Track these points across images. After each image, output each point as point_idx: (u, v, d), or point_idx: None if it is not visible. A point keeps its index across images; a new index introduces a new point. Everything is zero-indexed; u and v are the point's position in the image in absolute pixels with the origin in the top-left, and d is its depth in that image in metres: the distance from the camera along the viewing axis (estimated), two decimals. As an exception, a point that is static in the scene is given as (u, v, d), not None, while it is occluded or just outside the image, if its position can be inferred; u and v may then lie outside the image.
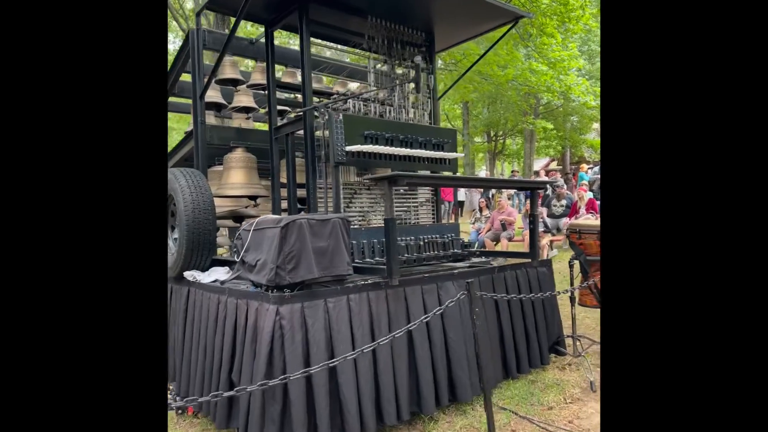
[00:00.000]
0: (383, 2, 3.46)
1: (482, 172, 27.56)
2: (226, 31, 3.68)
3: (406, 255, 3.23)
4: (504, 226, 9.73)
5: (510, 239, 9.75)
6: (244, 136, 3.83)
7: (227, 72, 3.80)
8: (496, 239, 9.71)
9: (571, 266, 3.57)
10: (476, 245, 10.24)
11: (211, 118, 4.19)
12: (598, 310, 3.72)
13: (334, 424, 2.37)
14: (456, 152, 3.69)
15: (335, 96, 3.48)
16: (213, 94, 3.99)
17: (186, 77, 4.23)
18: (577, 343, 3.62)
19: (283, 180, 3.53)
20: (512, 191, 16.79)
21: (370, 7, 3.46)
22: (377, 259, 3.16)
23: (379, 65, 3.57)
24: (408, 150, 3.32)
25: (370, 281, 2.69)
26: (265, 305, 2.35)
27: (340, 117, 3.02)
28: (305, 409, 2.28)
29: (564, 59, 15.21)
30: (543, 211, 10.68)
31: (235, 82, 3.92)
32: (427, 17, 3.77)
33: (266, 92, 3.67)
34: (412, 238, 3.38)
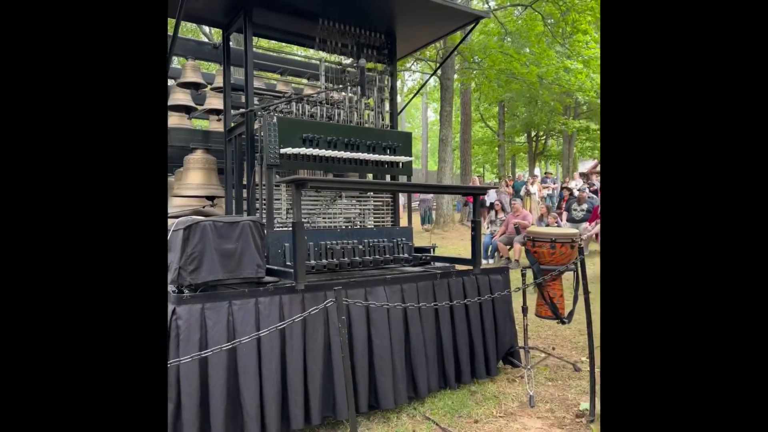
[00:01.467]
0: (334, 5, 3.46)
1: (522, 173, 26.96)
2: (192, 36, 3.76)
3: (340, 259, 3.21)
4: (518, 230, 9.49)
5: (523, 244, 9.52)
6: (205, 138, 3.93)
7: (189, 75, 3.91)
8: (510, 243, 9.48)
9: (523, 275, 3.43)
10: (489, 249, 10.07)
11: (184, 120, 4.32)
12: (555, 322, 3.56)
13: (230, 426, 2.40)
14: (409, 156, 3.63)
15: (281, 98, 3.50)
16: (182, 97, 4.12)
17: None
18: (528, 354, 3.48)
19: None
20: (545, 192, 16.38)
21: (320, 10, 3.47)
22: (325, 261, 3.16)
23: (329, 66, 3.56)
24: (347, 153, 3.30)
25: (287, 285, 2.70)
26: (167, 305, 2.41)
27: (274, 120, 3.04)
28: (198, 410, 2.31)
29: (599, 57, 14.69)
30: (564, 215, 10.34)
31: (197, 86, 4.03)
32: (384, 19, 3.74)
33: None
34: (354, 241, 3.35)
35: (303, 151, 3.12)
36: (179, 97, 4.06)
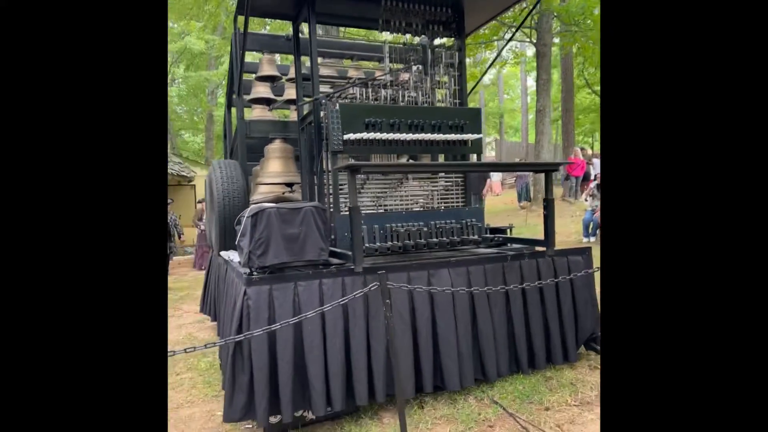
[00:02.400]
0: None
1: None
2: (266, 31, 3.96)
3: (405, 241, 3.23)
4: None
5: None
6: (283, 128, 4.14)
7: (265, 69, 4.13)
8: (612, 219, 8.76)
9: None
10: (591, 226, 9.39)
11: (265, 112, 4.58)
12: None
13: (298, 398, 2.57)
14: (477, 133, 3.50)
15: (346, 84, 3.56)
16: (262, 90, 4.37)
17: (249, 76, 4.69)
18: (612, 341, 3.23)
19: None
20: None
21: (383, -9, 3.44)
22: (389, 243, 3.22)
23: (393, 46, 3.53)
24: (410, 135, 3.28)
25: (350, 267, 2.79)
26: (240, 286, 2.62)
27: (336, 107, 3.11)
28: (268, 382, 2.50)
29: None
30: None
31: (273, 78, 4.24)
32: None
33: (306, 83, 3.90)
34: (420, 223, 3.35)
35: (365, 135, 3.16)
36: (259, 90, 4.32)
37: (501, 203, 17.24)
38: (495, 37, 17.10)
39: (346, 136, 3.13)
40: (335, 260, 3.06)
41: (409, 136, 3.29)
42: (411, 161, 3.77)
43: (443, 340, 2.88)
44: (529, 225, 11.62)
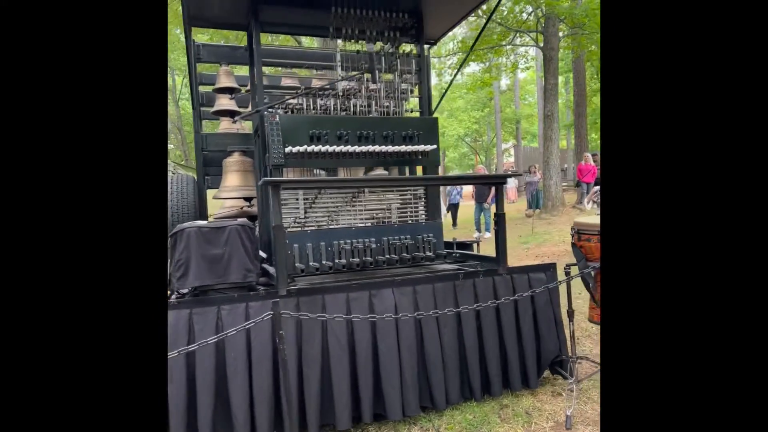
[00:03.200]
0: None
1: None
2: (222, 42, 3.87)
3: (351, 259, 3.06)
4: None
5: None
6: (242, 140, 4.03)
7: (222, 81, 4.03)
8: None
9: (566, 273, 2.94)
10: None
11: (229, 124, 4.48)
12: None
13: (219, 428, 2.41)
14: (432, 143, 3.32)
15: (287, 94, 3.42)
16: (225, 102, 4.27)
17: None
18: (575, 365, 2.99)
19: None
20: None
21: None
22: (331, 262, 3.06)
23: (345, 54, 3.39)
24: (358, 147, 3.12)
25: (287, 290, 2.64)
26: (162, 310, 2.49)
27: (276, 119, 2.98)
28: (185, 412, 2.36)
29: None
30: None
31: (231, 90, 4.13)
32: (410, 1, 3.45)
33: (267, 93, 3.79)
34: (372, 239, 3.17)
35: (309, 148, 3.02)
36: (222, 102, 4.22)
37: (514, 210, 16.90)
38: (504, 42, 16.88)
39: (288, 149, 2.99)
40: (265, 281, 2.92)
41: (356, 149, 3.13)
42: (371, 175, 3.60)
43: (384, 366, 2.69)
44: (535, 234, 11.30)
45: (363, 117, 3.33)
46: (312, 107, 3.30)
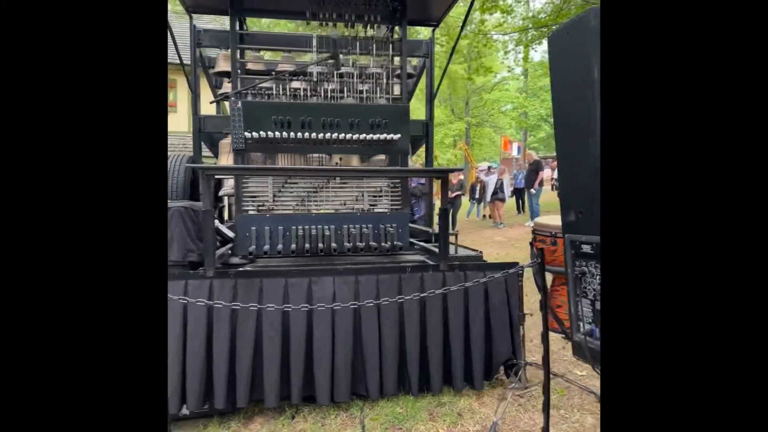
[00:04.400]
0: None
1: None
2: (222, 26, 4.02)
3: (306, 245, 3.11)
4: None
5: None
6: (238, 123, 4.18)
7: (221, 65, 4.18)
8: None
9: (519, 275, 2.80)
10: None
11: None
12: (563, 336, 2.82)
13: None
14: (400, 132, 3.25)
15: (266, 77, 3.48)
16: (228, 86, 4.44)
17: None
18: (524, 370, 2.86)
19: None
20: None
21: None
22: (291, 247, 3.14)
23: (322, 34, 3.39)
24: (321, 134, 3.14)
25: (225, 271, 2.77)
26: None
27: (239, 104, 3.07)
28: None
29: None
30: None
31: (228, 74, 4.27)
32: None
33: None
34: (332, 227, 3.21)
35: (270, 134, 3.09)
36: (227, 86, 4.39)
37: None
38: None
39: (250, 135, 3.08)
40: (237, 260, 3.06)
41: (321, 135, 3.15)
42: (337, 165, 3.61)
43: (317, 351, 2.75)
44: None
45: (327, 104, 3.33)
46: (283, 92, 3.36)
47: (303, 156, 3.51)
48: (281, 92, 3.38)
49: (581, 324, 1.71)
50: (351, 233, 3.19)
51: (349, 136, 3.21)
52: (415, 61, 4.41)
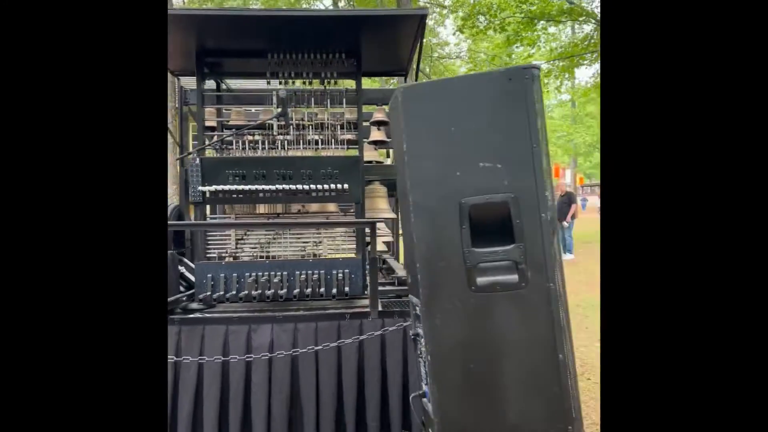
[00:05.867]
0: (281, 40, 3.51)
1: None
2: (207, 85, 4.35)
3: (254, 292, 3.24)
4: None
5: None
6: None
7: (208, 122, 4.50)
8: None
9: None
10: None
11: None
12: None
13: None
14: (354, 182, 3.37)
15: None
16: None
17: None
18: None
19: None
20: None
21: (268, 47, 3.56)
22: (240, 293, 3.28)
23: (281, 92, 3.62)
24: (274, 186, 3.32)
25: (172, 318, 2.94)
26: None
27: (197, 161, 3.31)
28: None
29: None
30: None
31: (214, 129, 4.58)
32: (342, 40, 3.56)
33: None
34: (285, 273, 3.32)
35: (223, 187, 3.29)
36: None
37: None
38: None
39: (205, 188, 3.30)
40: (195, 306, 3.23)
41: (271, 187, 3.32)
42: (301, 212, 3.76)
43: (254, 398, 2.83)
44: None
45: (280, 156, 3.51)
46: (242, 146, 3.59)
47: (265, 205, 3.68)
48: (242, 146, 3.62)
49: (422, 384, 1.70)
50: (301, 280, 3.30)
51: (300, 186, 3.36)
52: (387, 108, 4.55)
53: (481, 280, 1.48)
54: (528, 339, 1.47)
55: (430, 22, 32.37)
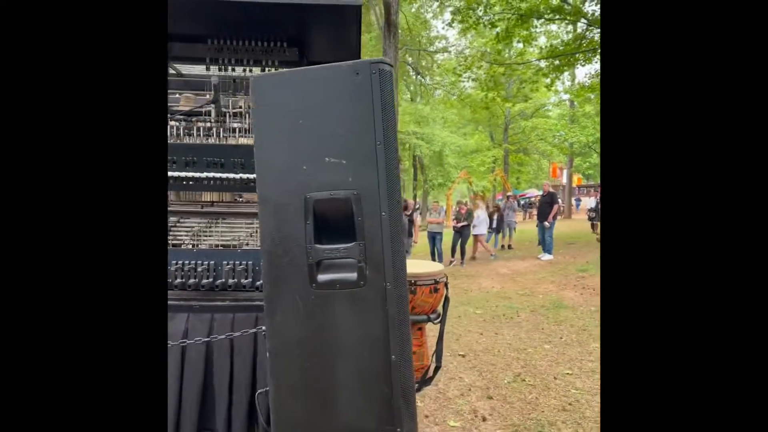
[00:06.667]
0: (222, 25, 3.46)
1: None
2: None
3: (180, 280, 3.22)
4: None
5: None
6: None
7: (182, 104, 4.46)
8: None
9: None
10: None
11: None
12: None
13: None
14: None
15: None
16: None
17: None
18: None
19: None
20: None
21: (209, 32, 3.51)
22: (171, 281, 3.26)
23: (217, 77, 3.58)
24: (198, 173, 3.29)
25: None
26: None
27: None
28: None
29: None
30: None
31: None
32: (284, 28, 3.51)
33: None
34: (212, 262, 3.30)
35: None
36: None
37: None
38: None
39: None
40: None
41: (196, 174, 3.30)
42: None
43: (171, 388, 2.82)
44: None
45: (210, 144, 3.48)
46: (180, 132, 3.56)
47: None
48: (177, 132, 3.58)
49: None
50: (226, 270, 3.27)
51: (231, 175, 3.33)
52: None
53: (321, 277, 1.45)
54: (363, 339, 1.44)
55: (427, 15, 32.14)
